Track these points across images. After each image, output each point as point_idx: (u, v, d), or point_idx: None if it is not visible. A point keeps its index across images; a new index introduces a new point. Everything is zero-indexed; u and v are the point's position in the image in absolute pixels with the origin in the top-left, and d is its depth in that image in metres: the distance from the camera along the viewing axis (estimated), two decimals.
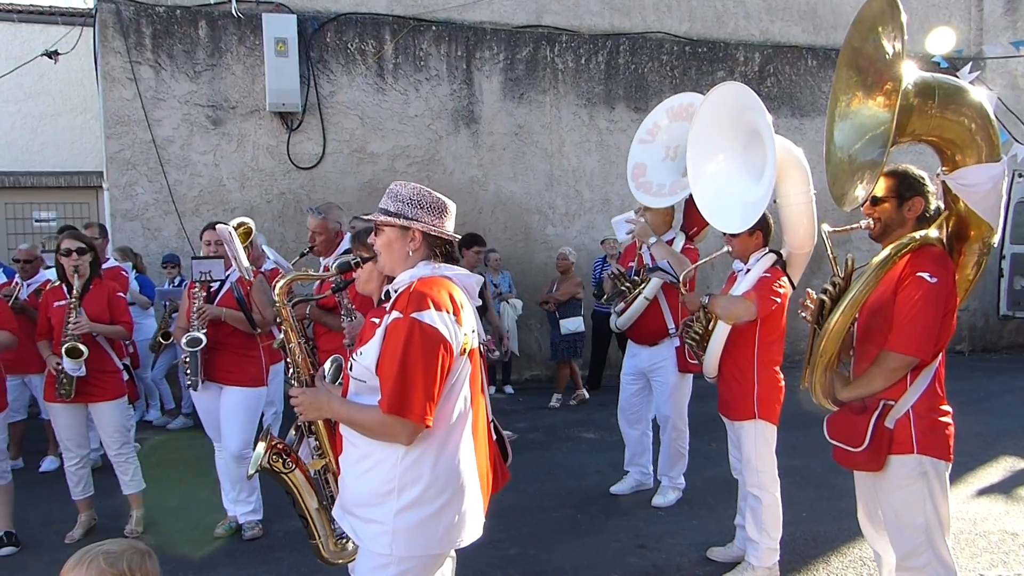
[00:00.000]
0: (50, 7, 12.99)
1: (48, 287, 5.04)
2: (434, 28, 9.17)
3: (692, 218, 5.08)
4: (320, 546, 2.61)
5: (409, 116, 9.12)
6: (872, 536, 3.11)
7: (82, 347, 4.42)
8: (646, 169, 5.14)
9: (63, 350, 4.40)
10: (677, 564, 4.25)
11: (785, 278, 3.93)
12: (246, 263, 4.51)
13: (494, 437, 2.56)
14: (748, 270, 3.98)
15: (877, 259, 2.76)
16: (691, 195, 4.77)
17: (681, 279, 4.21)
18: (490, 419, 2.54)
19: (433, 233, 2.34)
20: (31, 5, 12.94)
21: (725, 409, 4.07)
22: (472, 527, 2.32)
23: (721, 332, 3.93)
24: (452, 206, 2.43)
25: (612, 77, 9.80)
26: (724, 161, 3.98)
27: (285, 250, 8.35)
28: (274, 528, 4.73)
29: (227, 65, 8.55)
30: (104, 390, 4.62)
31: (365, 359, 2.24)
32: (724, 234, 4.05)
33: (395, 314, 2.21)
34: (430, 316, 2.16)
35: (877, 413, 2.72)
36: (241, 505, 4.72)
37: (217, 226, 4.55)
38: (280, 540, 4.60)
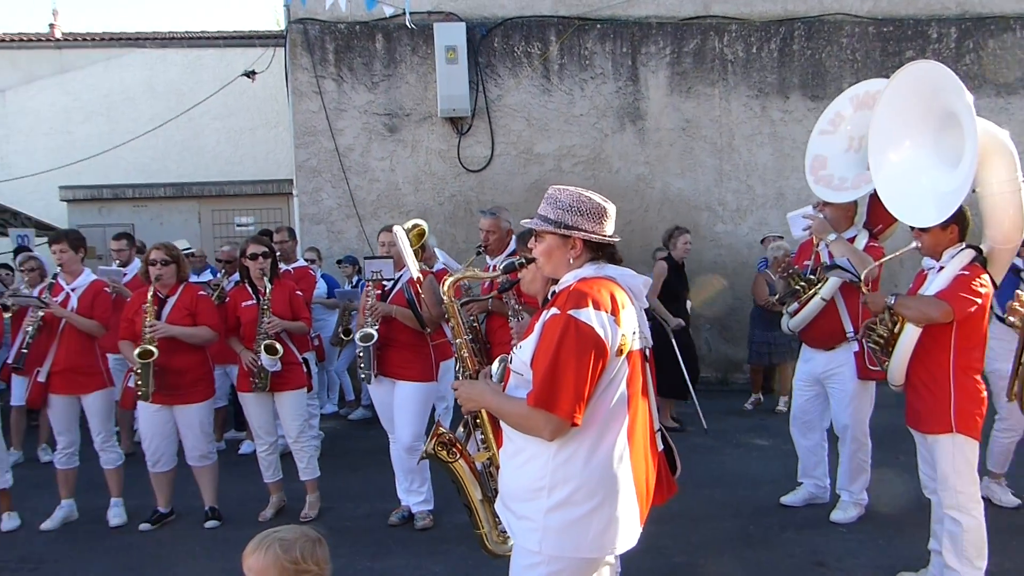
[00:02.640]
0: (250, 31, 14.28)
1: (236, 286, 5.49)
2: (599, 26, 9.13)
3: (877, 214, 4.67)
4: (484, 536, 2.67)
5: (574, 116, 9.14)
6: None
7: (278, 345, 4.81)
8: (827, 161, 4.81)
9: (262, 347, 4.80)
10: None
11: (986, 276, 3.54)
12: (414, 263, 4.70)
13: (660, 446, 2.49)
14: (941, 268, 3.62)
15: None
16: (875, 190, 4.43)
17: (863, 278, 3.89)
18: (657, 428, 2.47)
19: (594, 240, 2.33)
20: (235, 31, 14.29)
21: (915, 421, 3.72)
22: (626, 535, 2.27)
23: (910, 336, 3.59)
24: (612, 209, 2.40)
25: (786, 65, 9.29)
26: (911, 148, 3.64)
27: (456, 250, 8.64)
28: (444, 520, 4.89)
29: (401, 75, 8.98)
30: (287, 380, 4.99)
31: (524, 353, 2.28)
32: (912, 229, 3.71)
33: (553, 310, 2.23)
34: (587, 314, 2.16)
35: None
36: (413, 495, 4.93)
37: (393, 228, 4.79)
38: (450, 532, 4.74)
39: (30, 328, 4.92)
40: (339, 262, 8.31)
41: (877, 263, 4.05)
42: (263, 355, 4.81)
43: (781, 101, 9.29)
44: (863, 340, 3.98)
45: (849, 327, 4.66)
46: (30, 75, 13.28)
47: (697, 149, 9.28)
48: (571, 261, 2.36)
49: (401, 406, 4.79)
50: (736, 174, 9.33)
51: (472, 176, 9.09)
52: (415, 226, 5.26)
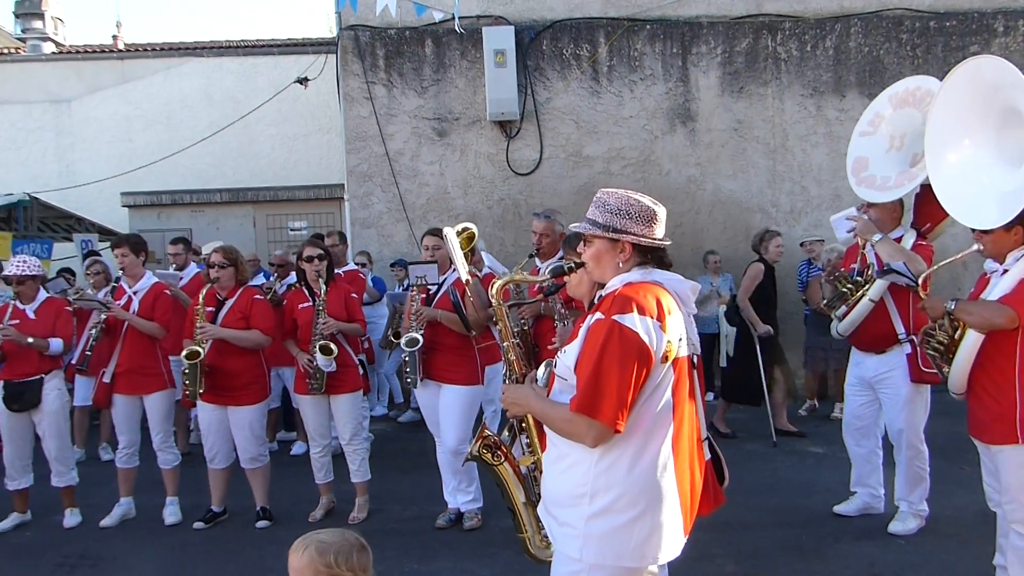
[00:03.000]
0: (303, 39, 14.56)
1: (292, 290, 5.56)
2: (648, 27, 9.04)
3: (925, 213, 4.55)
4: (527, 540, 2.67)
5: (624, 118, 9.06)
6: None
7: (333, 346, 4.86)
8: (868, 163, 4.71)
9: (317, 348, 4.85)
10: None
11: None
12: (463, 265, 4.70)
13: (707, 456, 2.44)
14: (1005, 271, 3.47)
15: None
16: (921, 188, 4.31)
17: (920, 280, 3.75)
18: (704, 436, 2.43)
19: (644, 244, 2.30)
20: (288, 39, 14.58)
21: (978, 431, 3.57)
22: (670, 544, 2.23)
23: (971, 342, 3.45)
24: (662, 212, 2.36)
25: (842, 63, 9.07)
26: (972, 147, 3.51)
27: (504, 253, 8.66)
28: (491, 524, 4.89)
29: (451, 79, 9.03)
30: (344, 383, 5.03)
31: (568, 358, 2.27)
32: (974, 230, 3.57)
33: (598, 315, 2.22)
34: (631, 319, 2.13)
35: None
36: (461, 494, 4.94)
37: (444, 229, 4.80)
38: (497, 536, 4.73)
39: (93, 331, 5.08)
40: (392, 265, 8.41)
41: (934, 267, 3.90)
42: (318, 355, 4.85)
43: (837, 100, 9.07)
44: (921, 347, 3.84)
45: (900, 328, 4.51)
46: (94, 85, 13.75)
47: (750, 150, 9.12)
48: (620, 265, 2.33)
49: (446, 410, 4.80)
50: (790, 175, 9.14)
51: (521, 179, 9.09)
52: (465, 229, 5.25)
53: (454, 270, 4.68)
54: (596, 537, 2.19)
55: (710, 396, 8.39)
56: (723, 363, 8.37)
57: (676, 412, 2.24)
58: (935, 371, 4.27)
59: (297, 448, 6.84)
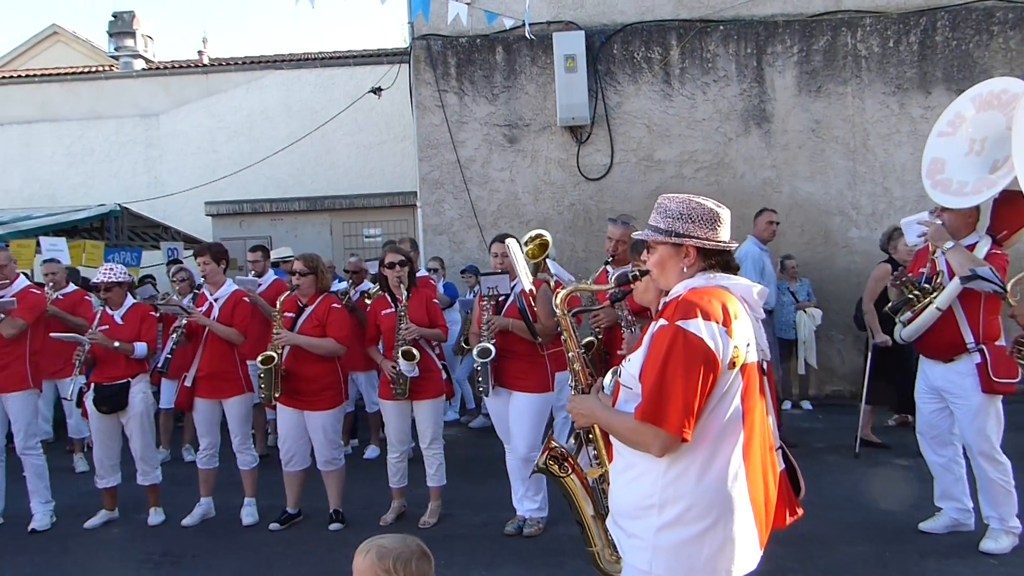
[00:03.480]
0: (377, 49, 14.87)
1: (374, 296, 5.64)
2: (721, 28, 8.87)
3: (1002, 219, 4.32)
4: (597, 555, 2.64)
5: (696, 120, 8.92)
6: None
7: (415, 351, 4.91)
8: (945, 165, 4.50)
9: (399, 353, 4.90)
10: None
11: None
12: (527, 275, 4.68)
13: (781, 466, 2.35)
14: None
15: None
16: (1001, 193, 4.09)
17: (1009, 288, 3.55)
18: (778, 445, 2.34)
19: (708, 247, 2.24)
20: (363, 50, 14.93)
21: None
22: (744, 558, 2.16)
23: None
24: (726, 214, 2.30)
25: (927, 58, 8.69)
26: None
27: (575, 259, 8.63)
28: (560, 531, 4.85)
29: (521, 85, 9.06)
30: (427, 388, 5.07)
31: (632, 366, 2.23)
32: None
33: (661, 321, 2.17)
34: (696, 325, 2.08)
35: None
36: (527, 502, 4.93)
37: (507, 240, 4.81)
38: (565, 544, 4.69)
39: (174, 335, 5.29)
40: (463, 272, 8.48)
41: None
42: (401, 361, 4.88)
43: (922, 97, 8.70)
44: (1012, 356, 3.63)
45: (969, 338, 4.29)
46: (181, 99, 14.35)
47: (828, 151, 8.84)
48: (684, 270, 2.27)
49: (517, 417, 4.80)
50: (871, 176, 8.81)
51: (591, 184, 9.04)
52: (538, 236, 5.24)
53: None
54: (665, 549, 2.14)
55: (787, 405, 8.17)
56: (801, 370, 8.15)
57: (746, 419, 2.17)
58: (1007, 381, 4.14)
59: (370, 452, 6.95)
